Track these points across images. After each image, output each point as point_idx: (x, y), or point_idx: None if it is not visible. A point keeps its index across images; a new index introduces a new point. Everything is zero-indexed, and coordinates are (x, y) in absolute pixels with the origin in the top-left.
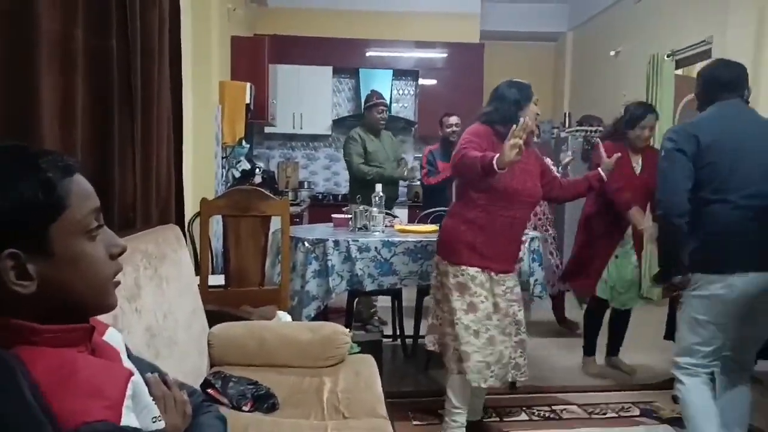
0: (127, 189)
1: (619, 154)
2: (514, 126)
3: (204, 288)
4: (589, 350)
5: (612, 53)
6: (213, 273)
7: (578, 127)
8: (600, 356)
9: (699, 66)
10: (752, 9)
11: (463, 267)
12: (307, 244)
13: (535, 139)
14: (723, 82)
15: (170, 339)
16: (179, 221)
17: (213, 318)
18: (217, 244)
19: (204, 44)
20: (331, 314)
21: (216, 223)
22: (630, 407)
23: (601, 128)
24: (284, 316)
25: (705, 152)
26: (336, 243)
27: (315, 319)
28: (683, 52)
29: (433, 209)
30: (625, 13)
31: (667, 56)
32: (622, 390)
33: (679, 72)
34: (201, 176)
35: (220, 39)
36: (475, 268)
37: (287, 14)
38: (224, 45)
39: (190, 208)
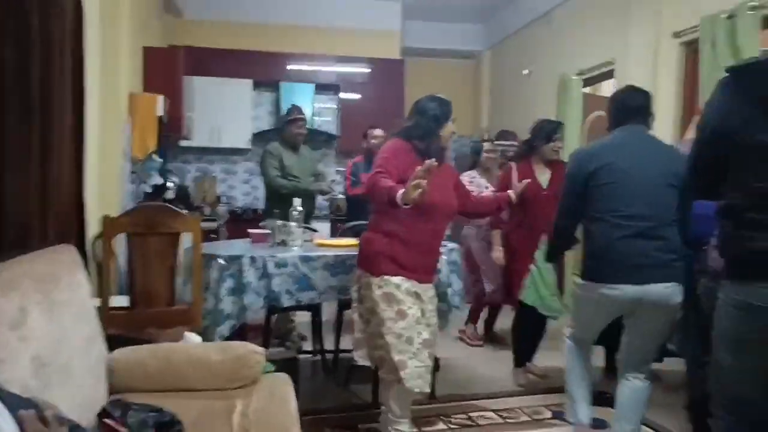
0: (20, 206)
1: (528, 180)
2: (418, 168)
3: (105, 311)
4: (521, 361)
5: (525, 72)
6: (120, 294)
7: (495, 142)
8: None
9: (604, 85)
10: (650, 32)
11: (386, 277)
12: (221, 261)
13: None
14: (629, 108)
15: (63, 367)
16: (80, 240)
17: (116, 342)
18: (125, 263)
19: (113, 55)
20: (249, 332)
21: (124, 242)
22: (542, 410)
23: (515, 143)
24: (192, 337)
25: (598, 173)
26: (252, 259)
27: (231, 338)
28: (590, 72)
29: (356, 222)
30: (536, 35)
31: (575, 76)
32: (535, 394)
33: (587, 90)
34: (107, 192)
35: (131, 49)
36: (399, 277)
37: (205, 26)
38: (136, 56)
39: (94, 225)
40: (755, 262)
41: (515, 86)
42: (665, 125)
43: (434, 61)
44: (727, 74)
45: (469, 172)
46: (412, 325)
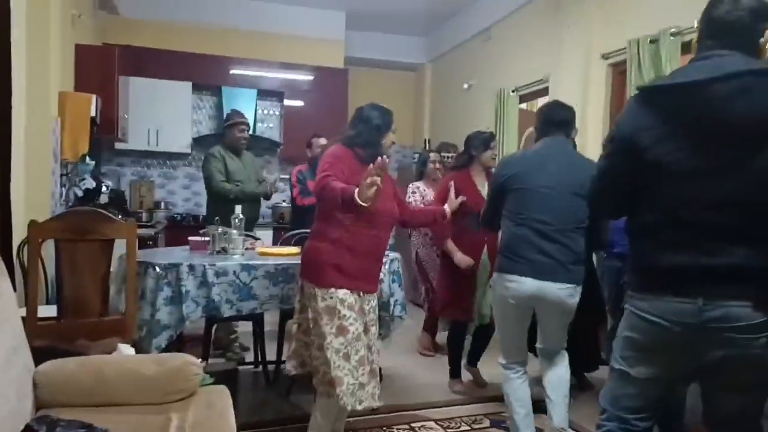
0: None
1: (464, 198)
2: (371, 165)
3: (32, 321)
4: (455, 372)
5: (465, 86)
6: (48, 304)
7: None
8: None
9: (540, 101)
10: (580, 53)
11: (332, 290)
12: (158, 269)
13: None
14: (552, 121)
15: None
16: (5, 246)
17: (43, 355)
18: (54, 271)
19: (41, 52)
20: (187, 343)
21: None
22: (482, 419)
23: (455, 155)
24: (126, 349)
25: (512, 179)
26: (191, 267)
27: (168, 349)
28: (526, 88)
29: (298, 231)
30: (476, 50)
31: (512, 92)
32: (475, 403)
33: (523, 106)
34: (35, 195)
35: (61, 47)
36: (344, 290)
37: (143, 25)
38: (67, 54)
39: (21, 231)
40: (667, 277)
41: (456, 99)
42: (593, 141)
43: (377, 72)
44: (637, 92)
45: (416, 183)
46: (352, 341)
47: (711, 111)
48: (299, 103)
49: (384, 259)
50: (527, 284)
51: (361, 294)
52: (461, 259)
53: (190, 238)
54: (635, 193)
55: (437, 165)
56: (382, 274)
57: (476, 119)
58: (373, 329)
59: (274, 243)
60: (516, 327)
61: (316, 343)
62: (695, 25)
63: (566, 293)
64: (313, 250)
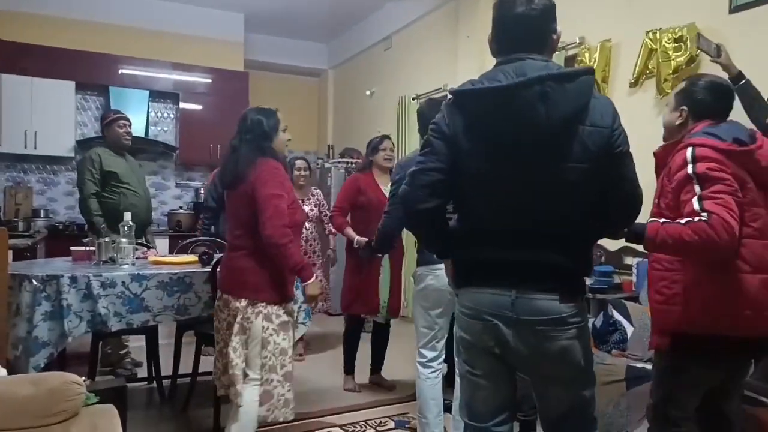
0: None
1: (365, 239)
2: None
3: None
4: (349, 369)
5: (368, 93)
6: None
7: (340, 159)
8: (364, 375)
9: None
10: (475, 60)
11: (285, 303)
12: (35, 282)
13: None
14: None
15: None
16: None
17: None
18: None
19: None
20: (72, 361)
21: None
22: (386, 421)
23: (360, 161)
24: None
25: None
26: (73, 279)
27: (48, 368)
28: (426, 96)
29: (195, 239)
30: (377, 58)
31: (413, 99)
32: (381, 406)
33: None
34: None
35: None
36: (291, 302)
37: (19, 19)
38: None
39: None
40: (484, 269)
41: (359, 105)
42: None
43: (279, 76)
44: (451, 96)
45: None
46: (285, 354)
47: (516, 116)
48: (196, 106)
49: None
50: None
51: (291, 304)
52: (358, 239)
53: (72, 248)
54: (456, 196)
55: (302, 172)
56: None
57: (379, 125)
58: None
59: (171, 251)
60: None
61: (269, 365)
62: (576, 41)
63: None
64: (258, 269)
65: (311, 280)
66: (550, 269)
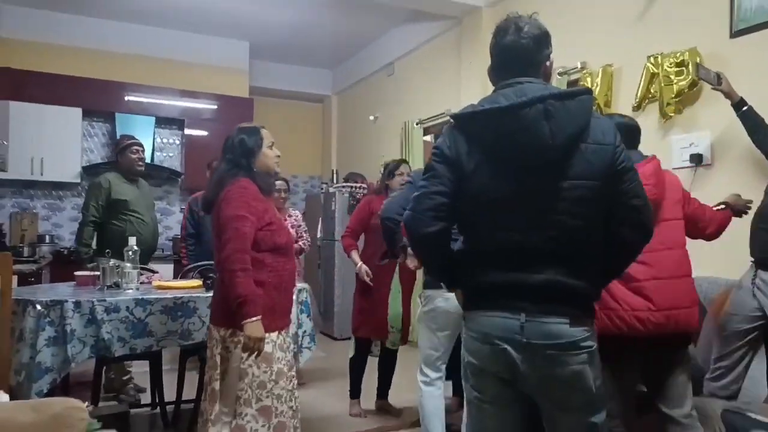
0: None
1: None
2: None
3: None
4: (355, 393)
5: (371, 118)
6: None
7: (344, 183)
8: (370, 400)
9: None
10: (478, 86)
11: (268, 333)
12: (39, 307)
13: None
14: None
15: None
16: None
17: None
18: None
19: None
20: (75, 387)
21: None
22: None
23: (364, 185)
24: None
25: None
26: (77, 304)
27: (51, 394)
28: (429, 121)
29: (200, 264)
30: (380, 84)
31: (416, 124)
32: (387, 431)
33: (427, 138)
34: None
35: None
36: (275, 333)
37: (28, 47)
38: None
39: None
40: (492, 293)
41: (362, 131)
42: None
43: (283, 102)
44: (452, 121)
45: None
46: (287, 385)
47: (520, 135)
48: (202, 132)
49: (294, 290)
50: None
51: (285, 331)
52: (360, 268)
53: (76, 273)
54: (461, 219)
55: (282, 194)
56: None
57: (383, 150)
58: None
59: (175, 276)
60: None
61: (245, 398)
62: (578, 66)
63: None
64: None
65: (251, 320)
66: (561, 291)
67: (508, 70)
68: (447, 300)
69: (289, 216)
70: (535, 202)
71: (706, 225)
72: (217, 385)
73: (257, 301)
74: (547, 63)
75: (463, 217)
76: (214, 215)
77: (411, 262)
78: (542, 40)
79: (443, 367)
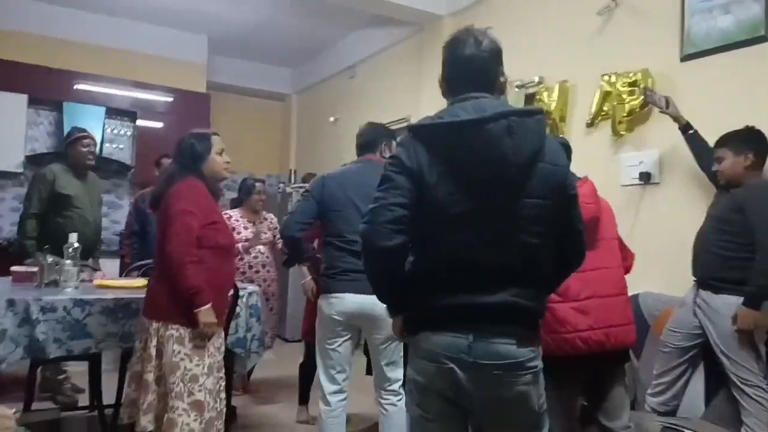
0: None
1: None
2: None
3: None
4: (304, 399)
5: (332, 119)
6: None
7: (302, 184)
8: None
9: None
10: (439, 95)
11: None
12: None
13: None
14: (359, 142)
15: None
16: None
17: None
18: None
19: None
20: (6, 385)
21: None
22: None
23: None
24: None
25: (326, 200)
26: (11, 303)
27: None
28: (390, 125)
29: (144, 262)
30: (342, 86)
31: None
32: None
33: None
34: None
35: None
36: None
37: None
38: None
39: None
40: (443, 313)
41: (322, 131)
42: None
43: (242, 99)
44: (409, 132)
45: (231, 210)
46: (195, 381)
47: (483, 150)
48: (155, 124)
49: (241, 293)
50: (348, 300)
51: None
52: (306, 282)
53: (12, 268)
54: (416, 232)
55: (262, 196)
56: (239, 308)
57: (342, 152)
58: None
59: (120, 274)
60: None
61: (177, 391)
62: (536, 80)
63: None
64: (170, 289)
65: (204, 307)
66: (509, 312)
67: (464, 83)
68: (330, 304)
69: (265, 219)
70: (495, 218)
71: (624, 256)
72: (150, 376)
73: (206, 289)
74: (501, 79)
75: (419, 232)
76: (160, 210)
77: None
78: (498, 55)
79: (340, 377)
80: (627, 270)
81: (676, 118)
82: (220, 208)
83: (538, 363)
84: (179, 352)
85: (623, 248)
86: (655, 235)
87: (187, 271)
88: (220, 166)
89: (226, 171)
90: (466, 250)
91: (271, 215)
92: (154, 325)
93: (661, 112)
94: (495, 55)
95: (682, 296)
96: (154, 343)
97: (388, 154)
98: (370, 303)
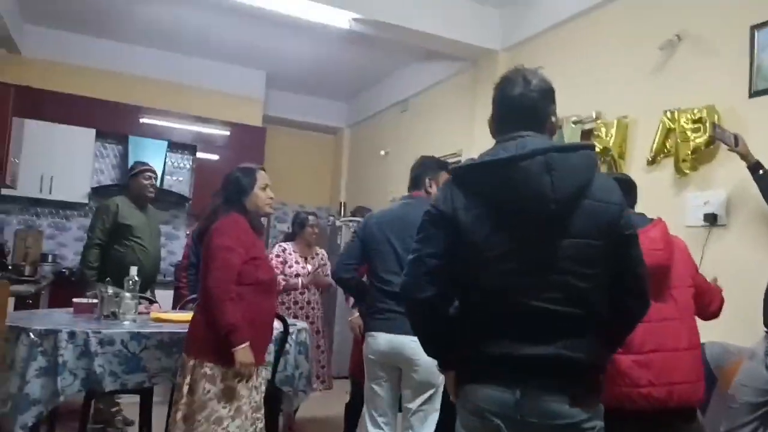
0: None
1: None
2: None
3: None
4: None
5: (382, 153)
6: None
7: (351, 218)
8: None
9: None
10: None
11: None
12: (32, 336)
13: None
14: (410, 177)
15: None
16: None
17: None
18: None
19: None
20: (62, 415)
21: None
22: None
23: None
24: None
25: (368, 240)
26: (71, 335)
27: (37, 427)
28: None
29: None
30: (393, 119)
31: None
32: None
33: None
34: None
35: None
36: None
37: (46, 66)
38: None
39: None
40: (489, 364)
41: (373, 165)
42: None
43: (296, 132)
44: (451, 175)
45: (284, 243)
46: (245, 425)
47: (521, 186)
48: (213, 157)
49: (291, 329)
50: (381, 339)
51: (258, 368)
52: (353, 319)
53: (74, 300)
54: (457, 279)
55: (315, 230)
56: (288, 345)
57: (392, 185)
58: (261, 398)
59: (174, 306)
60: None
61: (201, 429)
62: (593, 116)
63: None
64: (208, 325)
65: (241, 347)
66: (558, 365)
67: (511, 122)
68: (367, 344)
69: (316, 254)
70: (536, 259)
71: (710, 299)
72: (179, 414)
73: (245, 328)
74: (552, 119)
75: (459, 278)
76: (204, 244)
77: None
78: (549, 94)
79: (381, 421)
80: (713, 315)
81: (745, 157)
82: (273, 240)
83: (597, 423)
84: (209, 391)
85: (705, 291)
86: (722, 280)
87: (226, 307)
88: (263, 201)
89: (269, 207)
90: (508, 294)
91: (323, 251)
92: (191, 362)
93: (729, 149)
94: (545, 94)
95: (750, 347)
96: (188, 380)
97: (434, 188)
98: (400, 342)
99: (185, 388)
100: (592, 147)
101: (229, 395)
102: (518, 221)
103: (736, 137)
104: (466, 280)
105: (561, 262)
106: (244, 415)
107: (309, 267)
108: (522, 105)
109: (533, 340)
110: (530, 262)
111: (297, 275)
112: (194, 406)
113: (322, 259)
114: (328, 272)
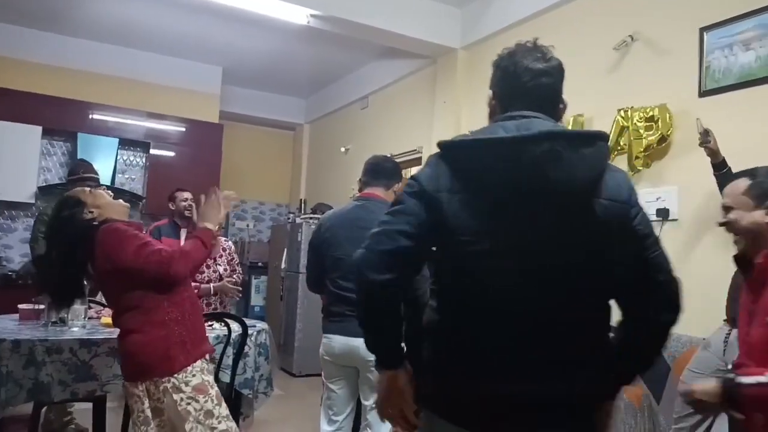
0: None
1: None
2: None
3: None
4: None
5: (342, 149)
6: None
7: (312, 215)
8: None
9: (414, 170)
10: (450, 128)
11: (189, 366)
12: None
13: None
14: (368, 171)
15: None
16: None
17: None
18: None
19: None
20: (9, 425)
21: None
22: None
23: None
24: None
25: (322, 246)
26: (16, 344)
27: None
28: (401, 156)
29: None
30: (353, 116)
31: None
32: None
33: None
34: None
35: None
36: (198, 361)
37: None
38: None
39: None
40: (456, 404)
41: (333, 161)
42: None
43: (254, 128)
44: (438, 149)
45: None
46: (211, 416)
47: (522, 177)
48: (167, 153)
49: (250, 331)
50: (336, 341)
51: (206, 359)
52: None
53: (19, 306)
54: (436, 274)
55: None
56: (247, 347)
57: (353, 182)
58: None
59: None
60: (343, 395)
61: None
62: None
63: None
64: (149, 345)
65: (207, 225)
66: (558, 403)
67: (518, 98)
68: (322, 344)
69: (224, 250)
70: (533, 258)
71: None
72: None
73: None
74: (561, 106)
75: (437, 273)
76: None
77: None
78: (563, 75)
79: (336, 419)
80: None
81: (715, 154)
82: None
83: None
84: (182, 399)
85: None
86: (674, 273)
87: (176, 260)
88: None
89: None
90: (496, 298)
91: (230, 243)
92: (141, 386)
93: (700, 144)
94: (562, 74)
95: (702, 337)
96: (146, 404)
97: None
98: (355, 345)
99: (148, 413)
100: (606, 137)
101: (201, 389)
102: (509, 215)
103: (707, 132)
104: (443, 275)
105: (562, 265)
106: (223, 401)
107: (221, 268)
108: (539, 83)
109: (526, 366)
110: (525, 263)
111: (209, 281)
112: (173, 421)
113: (230, 254)
114: (237, 267)
